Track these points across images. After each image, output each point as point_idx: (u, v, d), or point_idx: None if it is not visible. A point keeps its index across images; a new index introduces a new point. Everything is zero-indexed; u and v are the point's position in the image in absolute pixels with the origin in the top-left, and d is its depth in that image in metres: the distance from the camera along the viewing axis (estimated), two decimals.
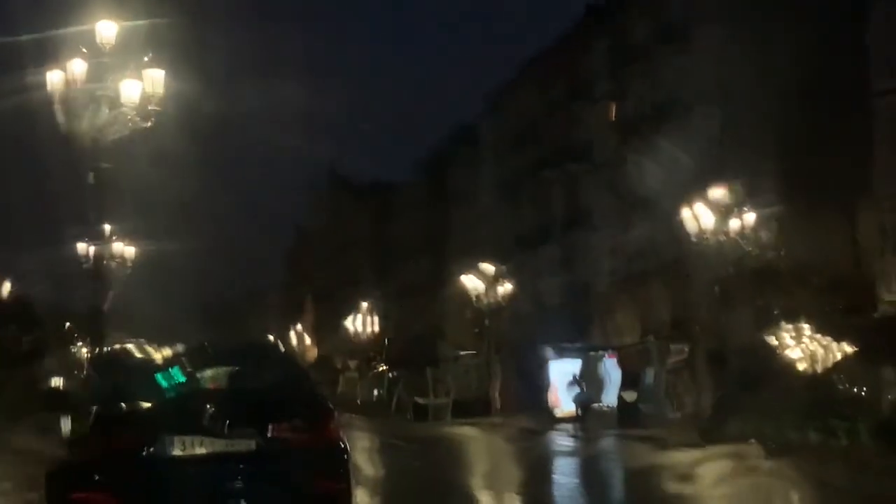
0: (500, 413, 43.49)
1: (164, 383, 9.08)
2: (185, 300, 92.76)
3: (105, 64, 19.05)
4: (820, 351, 29.62)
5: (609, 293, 48.89)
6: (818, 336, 30.08)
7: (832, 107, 33.55)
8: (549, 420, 38.93)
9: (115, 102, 19.20)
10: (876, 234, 32.50)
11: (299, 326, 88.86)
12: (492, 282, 47.10)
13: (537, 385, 44.26)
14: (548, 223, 55.56)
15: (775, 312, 31.77)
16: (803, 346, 30.31)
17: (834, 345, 29.28)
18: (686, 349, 36.03)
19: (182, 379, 9.19)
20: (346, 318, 69.40)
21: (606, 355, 41.02)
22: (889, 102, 32.19)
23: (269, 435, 8.32)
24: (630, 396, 35.84)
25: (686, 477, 19.37)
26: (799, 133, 34.21)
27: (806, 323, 30.67)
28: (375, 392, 60.43)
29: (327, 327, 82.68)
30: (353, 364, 66.47)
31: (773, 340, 31.25)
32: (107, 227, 30.49)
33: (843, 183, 32.34)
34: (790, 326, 30.85)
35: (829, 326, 30.13)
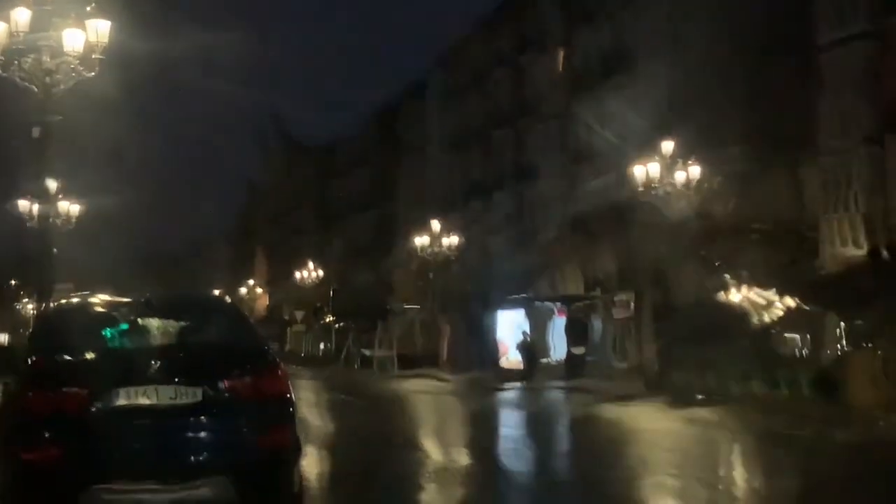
0: (447, 366, 43.66)
1: (109, 336, 9.03)
2: (131, 253, 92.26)
3: (48, 13, 18.76)
4: (763, 303, 29.97)
5: (556, 245, 49.06)
6: (761, 289, 30.42)
7: (780, 61, 33.67)
8: (496, 373, 39.14)
9: (58, 52, 18.94)
10: (820, 187, 32.81)
11: (251, 281, 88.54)
12: (439, 235, 47.16)
13: (484, 338, 44.50)
14: (496, 176, 55.59)
15: (717, 265, 32.07)
16: (747, 299, 30.66)
17: (777, 297, 29.65)
18: (632, 301, 36.29)
19: (127, 331, 9.14)
20: (295, 271, 69.27)
21: (555, 311, 41.25)
22: (832, 56, 32.42)
23: (214, 387, 8.28)
24: (578, 350, 36.11)
25: (629, 428, 19.61)
26: (747, 87, 34.35)
27: (750, 275, 30.98)
28: (322, 345, 60.59)
29: (277, 281, 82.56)
30: (300, 316, 66.52)
31: (717, 293, 31.59)
32: (51, 183, 30.18)
33: (790, 137, 32.56)
34: (734, 279, 31.17)
35: (772, 279, 30.48)
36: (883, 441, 16.83)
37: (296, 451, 8.84)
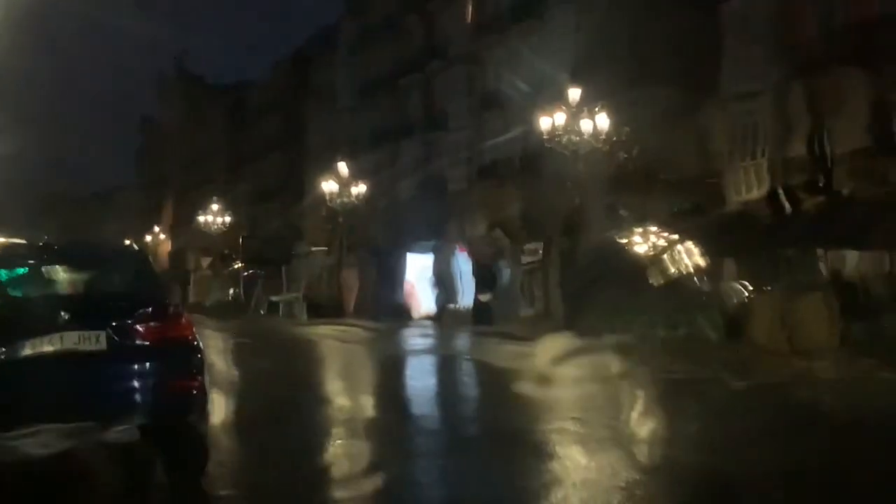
0: (356, 311, 43.69)
1: (6, 281, 8.89)
2: (27, 197, 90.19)
3: None
4: (667, 249, 30.36)
5: (464, 192, 49.20)
6: (667, 235, 30.82)
7: (688, 8, 33.91)
8: (405, 318, 39.28)
9: None
10: (723, 134, 33.22)
11: (156, 228, 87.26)
12: (347, 180, 46.98)
13: (392, 283, 44.61)
14: (405, 122, 55.46)
15: (621, 212, 32.40)
16: (652, 245, 31.04)
17: (681, 243, 30.05)
18: (539, 248, 36.57)
19: (30, 277, 9.02)
20: (201, 216, 68.49)
21: (457, 248, 41.32)
22: (737, 4, 32.79)
23: (118, 333, 8.22)
24: (485, 296, 36.32)
25: (534, 372, 19.78)
26: (653, 35, 34.56)
27: (656, 222, 31.36)
28: (231, 291, 60.22)
29: (183, 226, 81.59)
30: (206, 262, 65.92)
31: (623, 239, 31.93)
32: None
33: (698, 84, 32.87)
34: (640, 225, 31.53)
35: (678, 225, 30.87)
36: (781, 383, 17.22)
37: (201, 397, 8.82)
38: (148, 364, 8.33)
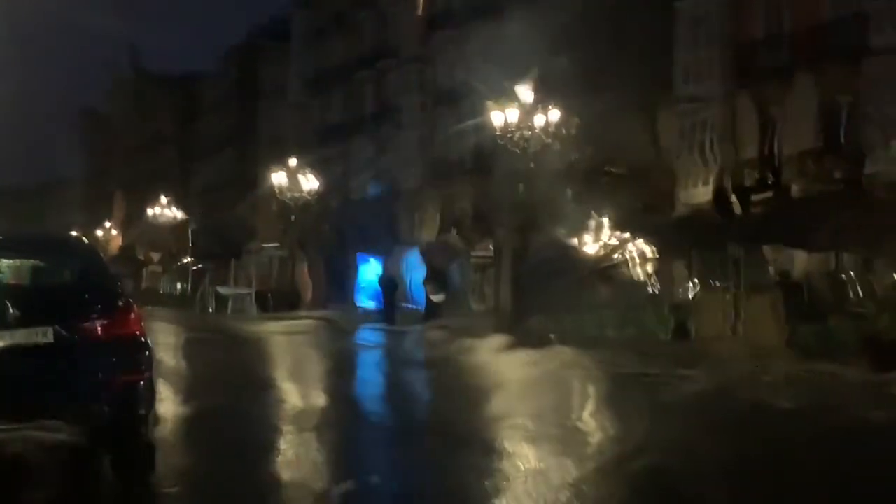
0: (307, 307, 43.56)
1: None
2: None
3: None
4: (618, 246, 30.54)
5: (416, 189, 49.22)
6: (618, 232, 30.99)
7: (642, 8, 34.08)
8: (355, 314, 39.22)
9: None
10: (675, 134, 33.44)
11: (107, 223, 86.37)
12: (298, 176, 46.79)
13: (343, 280, 44.54)
14: (357, 118, 55.35)
15: (575, 209, 32.51)
16: (603, 242, 31.21)
17: (631, 240, 30.23)
18: (491, 245, 36.62)
19: None
20: (150, 210, 67.96)
21: (410, 251, 41.37)
22: (689, 4, 33.04)
23: (66, 328, 8.14)
24: (436, 294, 36.31)
25: (483, 370, 19.84)
26: (606, 32, 34.69)
27: (606, 220, 31.53)
28: (179, 285, 59.85)
29: (134, 221, 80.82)
30: (156, 256, 65.45)
31: (574, 236, 32.07)
32: None
33: (650, 84, 33.06)
34: (591, 223, 31.67)
35: (628, 223, 31.04)
36: (726, 381, 17.36)
37: (149, 393, 8.76)
38: (95, 359, 8.24)
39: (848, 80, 28.37)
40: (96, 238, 76.98)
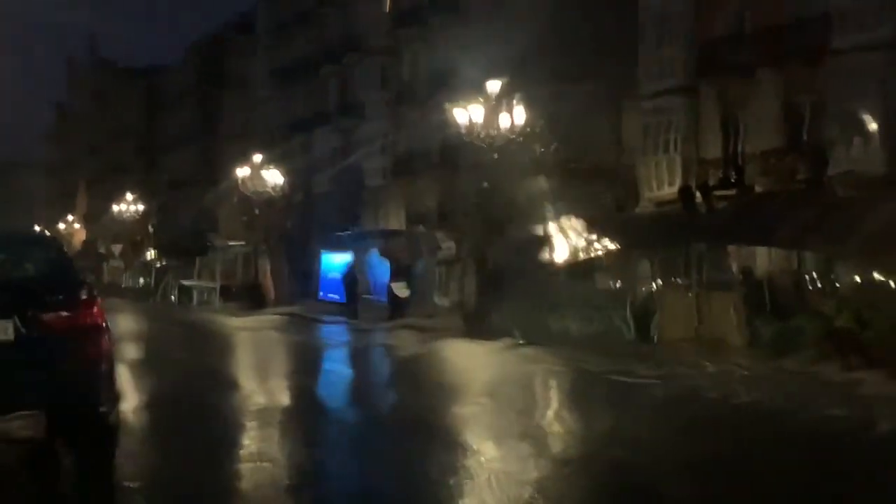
0: (272, 301, 43.42)
1: None
2: None
3: None
4: (582, 243, 30.59)
5: (380, 184, 49.18)
6: (581, 229, 31.03)
7: (606, 4, 34.16)
8: (319, 308, 39.13)
9: None
10: (640, 132, 33.54)
11: (70, 216, 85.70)
12: (262, 170, 46.61)
13: (307, 274, 44.41)
14: (322, 113, 55.22)
15: (538, 204, 32.51)
16: (567, 239, 31.24)
17: (595, 237, 30.29)
18: (455, 241, 36.61)
19: None
20: (115, 205, 67.55)
21: (374, 246, 41.25)
22: (652, 2, 33.15)
23: (28, 322, 8.09)
24: (401, 289, 36.22)
25: (448, 365, 19.87)
26: (571, 30, 34.75)
27: (572, 217, 31.56)
28: (141, 280, 59.50)
29: (96, 215, 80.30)
30: (117, 250, 65.00)
31: (538, 233, 32.08)
32: None
33: (615, 80, 33.16)
34: (554, 218, 31.70)
35: (593, 221, 31.10)
36: (688, 379, 17.46)
37: (111, 387, 8.71)
38: (57, 353, 8.18)
39: (811, 80, 28.55)
40: (59, 231, 76.45)
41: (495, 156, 30.18)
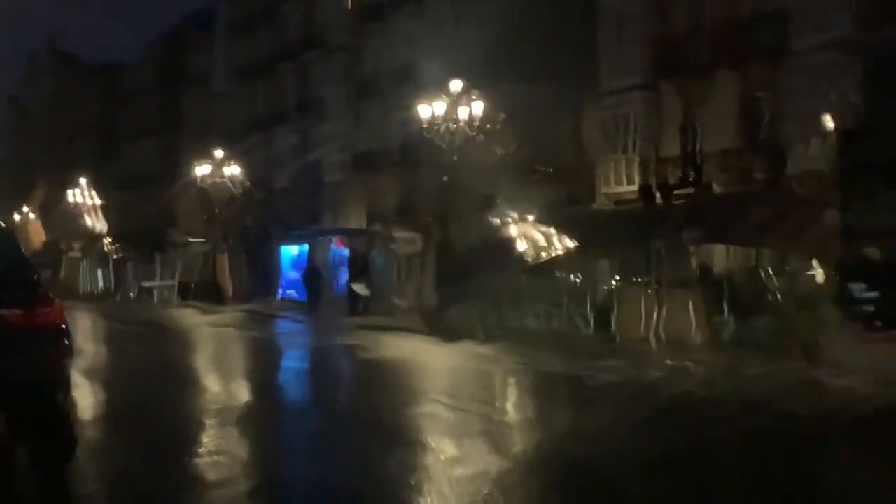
0: (231, 299, 43.27)
1: None
2: None
3: None
4: (542, 241, 30.63)
5: (340, 181, 49.08)
6: (541, 227, 31.07)
7: (567, 2, 34.25)
8: (279, 306, 39.02)
9: None
10: (600, 129, 33.67)
11: (25, 208, 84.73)
12: (222, 166, 46.42)
13: (266, 271, 44.27)
14: (282, 110, 55.05)
15: (499, 202, 32.56)
16: (526, 237, 31.27)
17: (555, 235, 30.34)
18: (416, 238, 36.57)
19: None
20: (72, 199, 66.99)
21: (334, 241, 41.16)
22: (612, 0, 33.30)
23: None
24: (360, 288, 36.17)
25: (408, 363, 19.85)
26: (532, 28, 34.81)
27: (530, 213, 31.60)
28: (100, 276, 59.08)
29: (55, 210, 79.54)
30: (77, 245, 64.46)
31: (498, 230, 32.10)
32: None
33: (576, 78, 33.24)
34: (515, 216, 31.73)
35: (552, 217, 31.16)
36: (646, 373, 17.55)
37: (68, 384, 8.63)
38: (13, 350, 8.07)
39: (769, 79, 28.79)
40: (16, 226, 75.62)
41: (455, 157, 30.25)
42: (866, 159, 23.50)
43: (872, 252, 21.08)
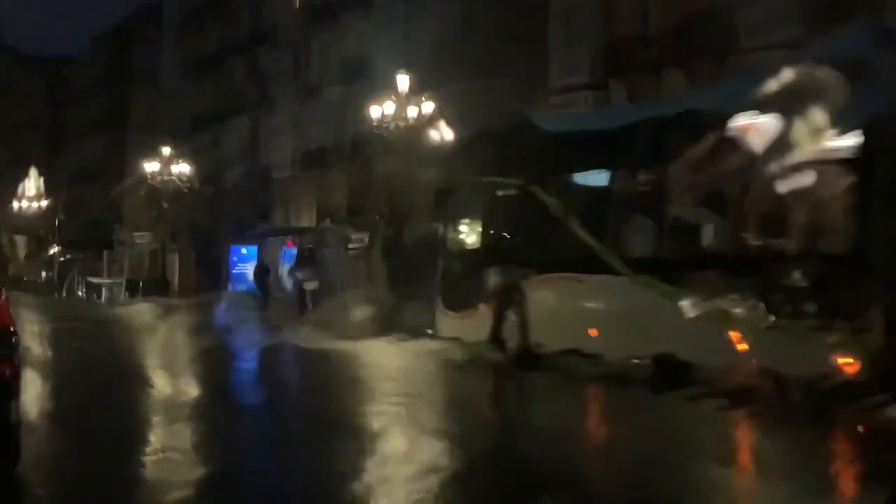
0: (179, 296, 43.04)
1: None
2: None
3: None
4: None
5: (289, 178, 48.98)
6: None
7: (514, 1, 34.37)
8: (228, 302, 38.84)
9: None
10: None
11: None
12: (170, 163, 46.18)
13: (216, 269, 44.10)
14: (231, 105, 54.83)
15: (447, 202, 32.57)
16: (478, 235, 31.29)
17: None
18: (365, 236, 36.53)
19: None
20: (16, 198, 66.37)
21: (286, 242, 41.08)
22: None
23: None
24: (309, 284, 36.02)
25: (358, 361, 19.87)
26: (482, 26, 34.91)
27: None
28: (44, 273, 58.62)
29: None
30: (20, 242, 63.89)
31: (449, 229, 32.12)
32: None
33: (524, 77, 33.35)
34: (465, 215, 31.76)
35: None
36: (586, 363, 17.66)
37: (15, 383, 8.56)
38: None
39: (715, 77, 29.03)
40: None
41: (405, 154, 30.28)
42: None
43: None
